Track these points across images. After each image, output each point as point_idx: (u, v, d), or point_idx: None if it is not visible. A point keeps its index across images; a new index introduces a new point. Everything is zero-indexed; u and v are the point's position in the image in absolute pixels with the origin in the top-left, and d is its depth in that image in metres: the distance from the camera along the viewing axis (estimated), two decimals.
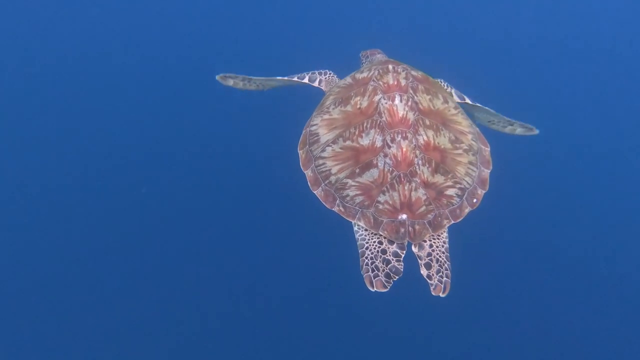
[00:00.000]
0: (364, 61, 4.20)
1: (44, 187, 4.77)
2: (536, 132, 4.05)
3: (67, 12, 5.52)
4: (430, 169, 3.07)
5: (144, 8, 5.72)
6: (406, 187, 2.99)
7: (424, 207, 2.99)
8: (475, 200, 3.15)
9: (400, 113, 3.19)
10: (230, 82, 4.25)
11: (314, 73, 3.98)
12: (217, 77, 4.24)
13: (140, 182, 4.80)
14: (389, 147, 3.09)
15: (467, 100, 3.88)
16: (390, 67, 3.46)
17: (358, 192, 3.08)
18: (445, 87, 3.88)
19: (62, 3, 5.61)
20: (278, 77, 4.07)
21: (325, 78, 3.95)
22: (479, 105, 3.92)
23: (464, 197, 3.11)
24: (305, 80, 3.97)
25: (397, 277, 2.87)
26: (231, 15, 5.90)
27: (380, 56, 4.10)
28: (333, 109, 3.44)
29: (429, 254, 2.95)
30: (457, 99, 3.79)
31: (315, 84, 3.95)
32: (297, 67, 4.11)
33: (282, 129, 3.92)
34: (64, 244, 4.57)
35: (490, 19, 5.55)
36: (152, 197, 4.71)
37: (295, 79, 4.01)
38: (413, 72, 3.49)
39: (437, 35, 5.38)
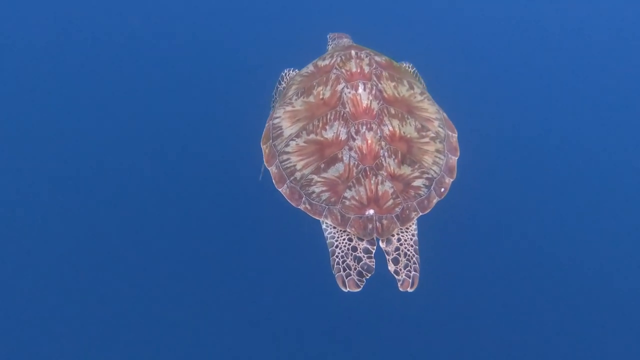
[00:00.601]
0: (329, 43, 4.04)
1: (37, 186, 4.63)
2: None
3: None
4: (396, 160, 2.99)
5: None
6: (372, 181, 2.92)
7: (391, 201, 2.92)
8: (443, 190, 3.09)
9: (364, 103, 3.09)
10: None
11: (279, 85, 3.77)
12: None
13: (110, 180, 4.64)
14: (354, 139, 2.99)
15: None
16: (353, 52, 3.33)
17: (324, 189, 2.99)
18: (411, 70, 3.76)
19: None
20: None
21: (287, 79, 3.71)
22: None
23: (432, 187, 3.05)
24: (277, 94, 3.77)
25: (369, 274, 2.83)
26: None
27: (346, 40, 3.95)
28: (295, 99, 3.31)
29: (397, 249, 2.90)
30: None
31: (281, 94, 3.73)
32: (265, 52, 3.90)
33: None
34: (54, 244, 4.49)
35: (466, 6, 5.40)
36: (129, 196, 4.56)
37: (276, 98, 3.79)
38: (377, 58, 3.37)
39: (410, 23, 5.22)
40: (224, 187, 4.60)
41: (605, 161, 4.68)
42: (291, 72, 3.77)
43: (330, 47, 3.99)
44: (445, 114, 3.45)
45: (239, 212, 4.49)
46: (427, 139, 3.15)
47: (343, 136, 3.02)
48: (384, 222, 2.89)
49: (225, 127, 4.78)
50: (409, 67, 3.80)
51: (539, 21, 5.19)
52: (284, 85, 3.75)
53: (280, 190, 3.14)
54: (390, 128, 3.06)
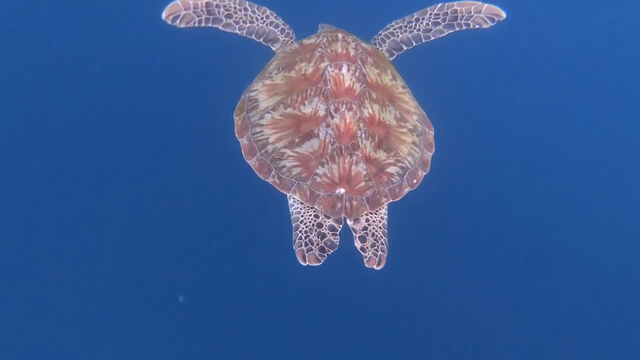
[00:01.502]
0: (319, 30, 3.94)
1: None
2: (502, 16, 3.64)
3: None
4: (373, 143, 2.92)
5: None
6: (347, 160, 2.83)
7: (363, 183, 2.83)
8: (415, 181, 3.03)
9: (347, 83, 3.02)
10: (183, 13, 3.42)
11: (277, 28, 3.54)
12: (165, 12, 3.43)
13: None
14: (332, 117, 2.90)
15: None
16: (340, 35, 3.27)
17: (296, 163, 2.87)
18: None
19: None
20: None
21: (283, 40, 3.56)
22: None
23: (405, 176, 2.98)
24: (260, 40, 3.53)
25: (332, 250, 2.71)
26: None
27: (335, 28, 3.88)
28: (276, 74, 3.21)
29: (365, 228, 2.81)
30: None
31: (274, 46, 3.55)
32: None
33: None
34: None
35: None
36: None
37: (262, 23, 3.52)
38: (363, 44, 3.33)
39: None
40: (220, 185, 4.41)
41: (587, 160, 4.78)
42: (291, 34, 3.60)
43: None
44: (424, 112, 3.42)
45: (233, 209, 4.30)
46: (404, 130, 3.11)
47: (321, 112, 2.93)
48: (354, 202, 2.79)
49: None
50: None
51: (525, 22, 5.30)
52: (221, 14, 3.47)
53: (249, 162, 3.01)
54: (370, 111, 2.99)
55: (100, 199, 4.26)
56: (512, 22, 3.73)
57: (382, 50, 3.65)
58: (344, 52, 3.17)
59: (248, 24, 3.57)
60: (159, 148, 4.38)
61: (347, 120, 2.89)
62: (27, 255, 4.18)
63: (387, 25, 3.70)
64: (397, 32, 3.65)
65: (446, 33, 3.65)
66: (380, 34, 3.69)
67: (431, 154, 3.22)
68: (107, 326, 4.08)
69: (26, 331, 4.04)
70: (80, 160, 4.36)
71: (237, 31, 3.56)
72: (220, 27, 3.54)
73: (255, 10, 3.59)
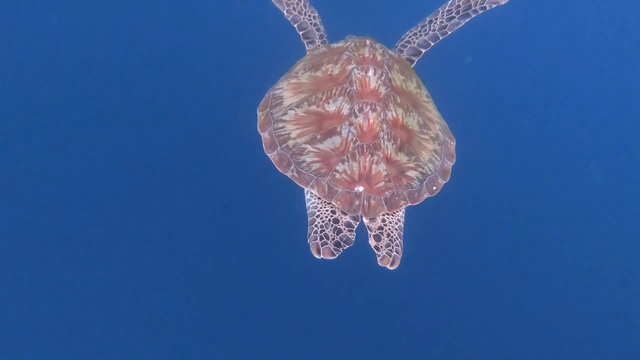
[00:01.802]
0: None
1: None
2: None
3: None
4: (395, 145, 2.90)
5: None
6: (367, 159, 2.81)
7: (382, 183, 2.80)
8: (435, 188, 3.00)
9: (373, 85, 3.03)
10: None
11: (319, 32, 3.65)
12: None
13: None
14: (356, 116, 2.90)
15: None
16: (368, 41, 3.31)
17: (316, 159, 2.86)
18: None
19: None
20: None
21: (318, 42, 3.63)
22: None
23: (425, 182, 2.95)
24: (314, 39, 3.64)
25: (347, 245, 2.66)
26: None
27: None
28: (302, 74, 3.24)
29: (380, 227, 2.76)
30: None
31: (307, 42, 3.63)
32: None
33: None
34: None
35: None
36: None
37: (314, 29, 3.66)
38: (390, 52, 3.36)
39: None
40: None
41: (601, 171, 4.71)
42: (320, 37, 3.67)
43: None
44: (446, 123, 3.42)
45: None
46: (427, 137, 3.10)
47: (345, 111, 2.93)
48: (372, 201, 2.76)
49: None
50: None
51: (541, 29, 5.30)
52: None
53: (269, 155, 3.01)
54: (394, 114, 2.99)
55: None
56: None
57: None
58: (371, 56, 3.19)
59: (295, 13, 3.65)
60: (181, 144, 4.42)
61: (371, 120, 2.89)
62: (55, 252, 4.23)
63: (402, 36, 3.73)
64: (412, 39, 3.68)
65: (463, 23, 3.63)
66: (397, 45, 3.72)
67: (452, 164, 3.20)
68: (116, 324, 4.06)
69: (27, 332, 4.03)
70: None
71: (285, 13, 3.65)
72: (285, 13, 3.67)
73: (308, 6, 3.69)
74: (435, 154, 3.09)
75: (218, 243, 4.09)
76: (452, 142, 3.32)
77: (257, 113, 3.24)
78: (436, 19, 3.67)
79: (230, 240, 4.08)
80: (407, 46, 3.68)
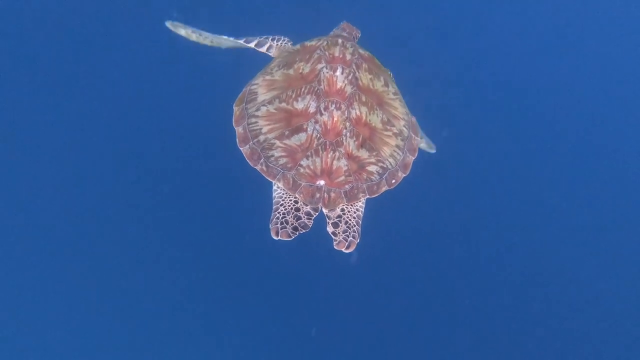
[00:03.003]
0: (335, 27, 4.00)
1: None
2: (433, 151, 4.26)
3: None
4: (356, 142, 3.14)
5: None
6: (329, 155, 3.05)
7: (342, 177, 3.05)
8: (394, 181, 3.24)
9: (339, 84, 3.24)
10: (182, 32, 4.10)
11: (265, 38, 3.83)
12: (167, 24, 4.08)
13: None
14: (321, 114, 3.13)
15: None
16: (340, 40, 3.50)
17: (283, 154, 3.11)
18: (390, 76, 3.94)
19: None
20: (226, 37, 3.96)
21: (277, 44, 3.79)
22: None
23: (384, 175, 3.19)
24: (252, 44, 3.84)
25: (304, 230, 2.95)
26: None
27: (346, 34, 4.02)
28: (276, 71, 3.45)
29: (339, 216, 3.04)
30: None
31: (263, 49, 3.80)
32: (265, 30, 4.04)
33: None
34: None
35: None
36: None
37: (242, 42, 3.88)
38: (360, 51, 3.54)
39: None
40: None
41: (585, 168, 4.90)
42: (283, 40, 3.85)
43: (331, 33, 4.07)
44: (414, 119, 3.62)
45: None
46: (389, 133, 3.32)
47: (312, 109, 3.16)
48: (332, 194, 3.02)
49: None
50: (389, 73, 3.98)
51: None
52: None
53: (241, 149, 3.25)
54: (358, 113, 3.21)
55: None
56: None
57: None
58: (341, 56, 3.39)
59: (231, 42, 3.92)
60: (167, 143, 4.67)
61: (335, 119, 3.12)
62: (67, 249, 4.44)
63: None
64: None
65: None
66: None
67: (413, 158, 3.42)
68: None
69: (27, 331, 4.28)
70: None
71: (223, 45, 3.95)
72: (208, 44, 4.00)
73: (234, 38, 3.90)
74: (397, 149, 3.32)
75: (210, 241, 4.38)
76: (416, 137, 3.54)
77: (234, 107, 3.47)
78: None
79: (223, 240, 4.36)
80: None
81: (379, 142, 3.25)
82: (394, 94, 3.55)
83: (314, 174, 3.03)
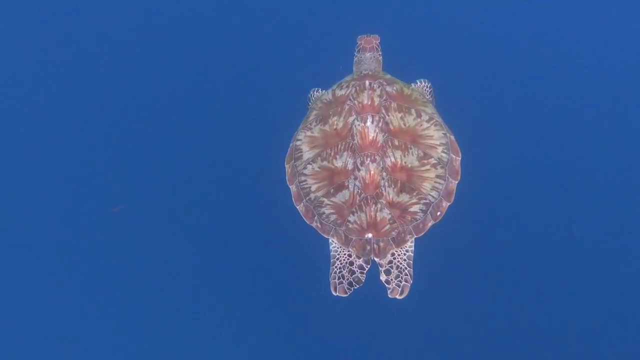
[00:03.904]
0: (356, 49, 4.28)
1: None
2: None
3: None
4: (395, 189, 3.41)
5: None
6: (372, 209, 3.38)
7: (388, 226, 3.38)
8: (439, 214, 3.49)
9: (371, 135, 3.49)
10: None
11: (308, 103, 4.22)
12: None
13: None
14: (359, 170, 3.44)
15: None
16: (367, 83, 3.70)
17: (332, 211, 3.49)
18: (425, 90, 4.07)
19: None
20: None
21: (314, 99, 4.16)
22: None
23: (429, 211, 3.46)
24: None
25: (357, 285, 3.37)
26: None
27: (369, 55, 4.22)
28: (314, 126, 3.76)
29: (390, 262, 3.39)
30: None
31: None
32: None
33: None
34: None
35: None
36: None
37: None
38: (388, 88, 3.71)
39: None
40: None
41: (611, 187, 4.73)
42: (316, 91, 4.20)
43: (355, 59, 4.30)
44: (452, 137, 3.76)
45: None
46: (428, 167, 3.53)
47: (350, 166, 3.47)
48: (381, 244, 3.38)
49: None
50: (424, 84, 4.10)
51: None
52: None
53: (297, 207, 3.68)
54: (393, 160, 3.46)
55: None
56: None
57: (419, 86, 4.04)
58: (369, 102, 3.61)
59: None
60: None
61: (372, 172, 3.41)
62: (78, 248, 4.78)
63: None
64: None
65: None
66: (428, 87, 4.13)
67: (456, 182, 3.62)
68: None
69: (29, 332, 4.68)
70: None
71: None
72: None
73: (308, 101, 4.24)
74: (438, 179, 3.54)
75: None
76: (457, 158, 3.70)
77: (285, 165, 3.88)
78: None
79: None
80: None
81: (418, 180, 3.49)
82: (428, 120, 3.69)
83: (361, 228, 3.39)
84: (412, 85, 4.10)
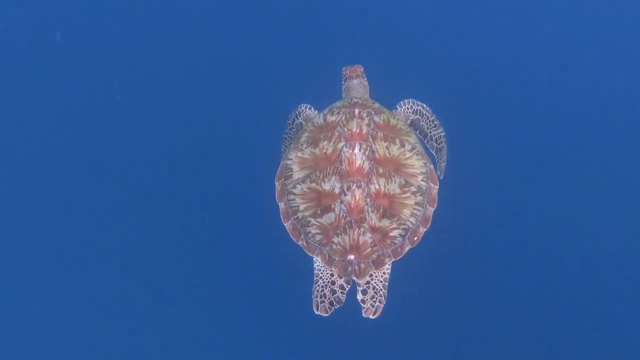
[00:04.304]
0: (343, 79, 4.59)
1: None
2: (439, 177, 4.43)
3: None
4: (377, 215, 3.68)
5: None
6: (356, 232, 3.64)
7: (369, 249, 3.65)
8: (416, 239, 3.78)
9: (358, 162, 3.75)
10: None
11: (296, 118, 4.49)
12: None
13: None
14: (345, 194, 3.69)
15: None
16: (356, 111, 3.95)
17: (318, 231, 3.74)
18: (413, 108, 4.36)
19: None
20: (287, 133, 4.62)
21: (303, 116, 4.44)
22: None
23: (407, 236, 3.74)
24: (292, 127, 4.54)
25: (338, 305, 3.63)
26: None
27: (356, 82, 4.50)
28: (305, 147, 4.00)
29: (367, 282, 3.66)
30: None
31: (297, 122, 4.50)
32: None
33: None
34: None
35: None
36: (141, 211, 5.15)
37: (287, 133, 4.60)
38: (376, 118, 3.97)
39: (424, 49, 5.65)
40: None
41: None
42: (307, 109, 4.44)
43: (343, 87, 4.57)
44: (431, 166, 4.05)
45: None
46: (408, 194, 3.81)
47: (337, 190, 3.72)
48: (362, 265, 3.65)
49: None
50: (410, 106, 4.41)
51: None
52: (300, 120, 4.44)
53: (284, 224, 3.92)
54: (377, 186, 3.73)
55: None
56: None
57: (403, 109, 4.31)
58: (358, 130, 3.86)
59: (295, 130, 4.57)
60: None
61: (357, 197, 3.67)
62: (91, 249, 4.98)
63: (423, 110, 4.43)
64: (424, 126, 4.44)
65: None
66: (411, 107, 4.41)
67: (433, 209, 3.91)
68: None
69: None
70: None
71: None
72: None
73: (297, 115, 4.51)
74: (417, 206, 3.82)
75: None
76: (435, 186, 3.99)
77: (275, 182, 4.10)
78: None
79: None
80: (419, 122, 4.46)
81: (399, 206, 3.77)
82: (411, 149, 3.97)
83: (344, 250, 3.66)
84: (397, 106, 4.40)
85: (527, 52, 5.57)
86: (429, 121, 4.49)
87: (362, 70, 4.58)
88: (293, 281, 4.15)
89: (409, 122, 4.42)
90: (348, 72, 4.57)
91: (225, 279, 4.94)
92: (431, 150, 4.53)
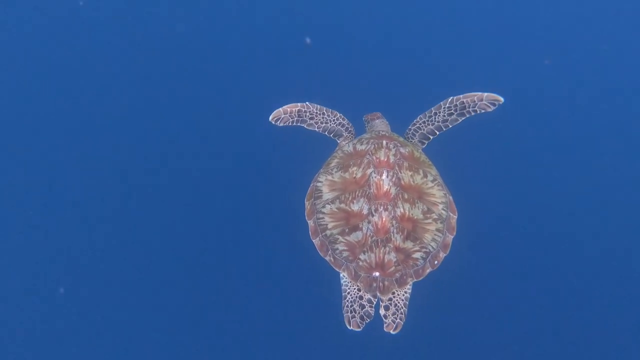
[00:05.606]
0: (366, 124, 5.00)
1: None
2: (500, 100, 4.42)
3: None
4: (402, 236, 3.96)
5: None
6: (381, 251, 3.91)
7: (393, 268, 3.91)
8: (436, 262, 4.04)
9: (385, 187, 4.06)
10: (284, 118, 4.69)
11: (346, 131, 4.76)
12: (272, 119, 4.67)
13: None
14: (373, 215, 3.98)
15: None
16: (384, 142, 4.30)
17: (345, 248, 4.00)
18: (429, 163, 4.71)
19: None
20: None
21: (346, 135, 4.74)
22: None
23: (428, 259, 4.01)
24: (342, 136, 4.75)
25: (368, 319, 3.84)
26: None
27: (378, 122, 4.89)
28: (335, 172, 4.31)
29: (390, 299, 3.89)
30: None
31: (339, 140, 4.77)
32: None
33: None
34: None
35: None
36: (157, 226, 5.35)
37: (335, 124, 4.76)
38: (402, 149, 4.32)
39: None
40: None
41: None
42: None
43: (367, 127, 4.96)
44: (450, 197, 4.37)
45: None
46: (430, 220, 4.10)
47: (365, 211, 4.02)
48: (386, 283, 3.89)
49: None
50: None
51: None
52: (307, 117, 4.72)
53: (313, 241, 4.18)
54: (402, 210, 4.03)
55: None
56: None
57: (414, 140, 4.65)
58: (385, 159, 4.20)
59: (324, 124, 4.73)
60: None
61: (384, 219, 3.96)
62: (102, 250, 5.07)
63: (414, 121, 4.68)
64: (422, 126, 4.63)
65: (460, 120, 4.55)
66: (410, 129, 4.68)
67: (452, 236, 4.20)
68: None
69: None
70: None
71: (316, 129, 4.74)
72: (305, 126, 4.75)
73: (330, 114, 4.74)
74: (437, 232, 4.11)
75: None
76: (454, 216, 4.30)
77: (305, 202, 4.39)
78: (439, 112, 4.56)
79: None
80: (418, 131, 4.65)
81: (421, 231, 4.05)
82: (432, 180, 4.30)
83: (370, 267, 3.91)
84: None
85: (528, 54, 5.96)
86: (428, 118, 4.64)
87: (378, 116, 4.99)
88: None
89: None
90: (369, 117, 4.99)
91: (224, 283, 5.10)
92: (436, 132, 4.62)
